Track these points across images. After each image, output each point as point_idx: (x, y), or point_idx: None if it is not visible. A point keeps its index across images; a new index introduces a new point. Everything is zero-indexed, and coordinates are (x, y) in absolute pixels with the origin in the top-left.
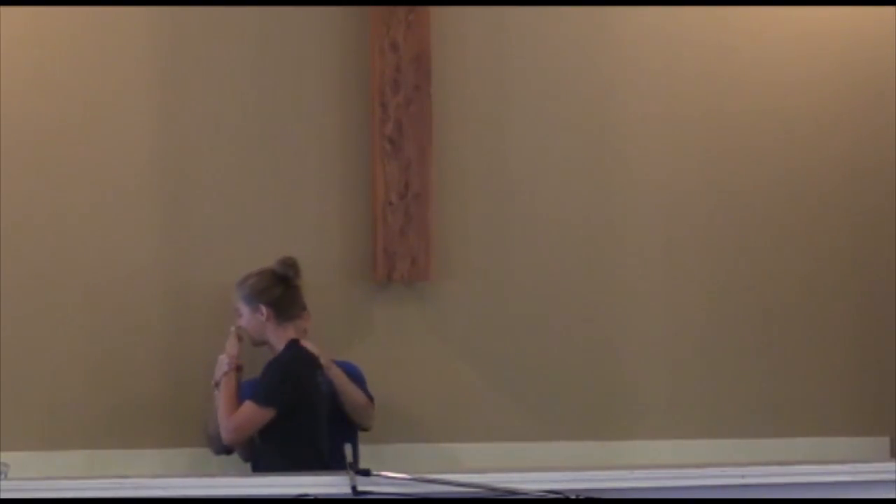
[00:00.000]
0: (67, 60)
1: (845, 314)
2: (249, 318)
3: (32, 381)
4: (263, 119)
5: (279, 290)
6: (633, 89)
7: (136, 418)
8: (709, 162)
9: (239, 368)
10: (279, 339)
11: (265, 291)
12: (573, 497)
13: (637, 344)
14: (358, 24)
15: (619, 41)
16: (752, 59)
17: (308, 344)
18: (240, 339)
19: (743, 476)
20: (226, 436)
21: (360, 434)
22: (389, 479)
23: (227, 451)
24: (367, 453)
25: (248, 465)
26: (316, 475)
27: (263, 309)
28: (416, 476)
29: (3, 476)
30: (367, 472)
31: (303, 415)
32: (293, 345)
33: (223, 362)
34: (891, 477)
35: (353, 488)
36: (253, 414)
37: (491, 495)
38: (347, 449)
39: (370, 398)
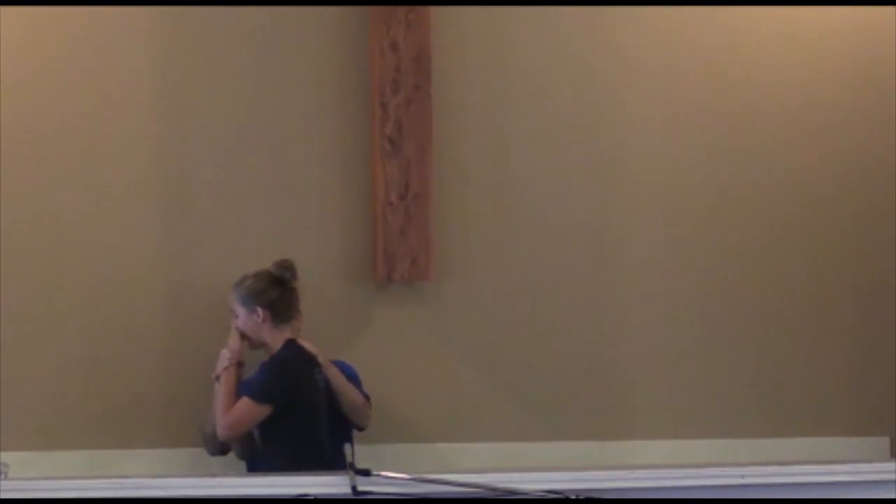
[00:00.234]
0: (67, 60)
1: (845, 314)
2: (246, 319)
3: (32, 381)
4: (263, 119)
5: (276, 292)
6: (633, 89)
7: (136, 418)
8: (709, 162)
9: (240, 364)
10: (275, 340)
11: (262, 293)
12: (573, 497)
13: (637, 344)
14: (358, 24)
15: (619, 41)
16: (752, 58)
17: (306, 343)
18: (242, 336)
19: (743, 476)
20: (221, 431)
21: (360, 434)
22: (389, 479)
23: (222, 451)
24: (367, 453)
25: (244, 464)
26: (316, 475)
27: (260, 311)
28: (416, 476)
29: (3, 476)
30: (367, 472)
31: (302, 413)
32: (291, 343)
33: (224, 357)
34: (891, 477)
35: (353, 488)
36: (249, 410)
37: (491, 495)
38: (347, 449)
39: (366, 398)
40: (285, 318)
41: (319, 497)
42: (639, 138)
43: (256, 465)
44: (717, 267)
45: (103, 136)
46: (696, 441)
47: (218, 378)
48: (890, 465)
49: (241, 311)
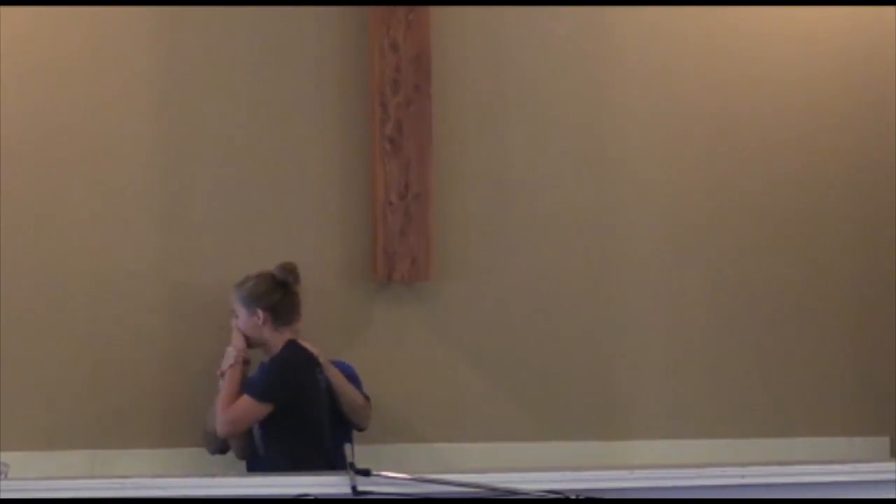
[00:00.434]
0: (67, 61)
1: (845, 314)
2: (246, 320)
3: (32, 381)
4: (263, 119)
5: (278, 295)
6: (633, 89)
7: (136, 418)
8: (709, 162)
9: (246, 362)
10: (275, 342)
11: (264, 296)
12: (573, 497)
13: (637, 344)
14: (358, 24)
15: (619, 41)
16: (752, 58)
17: (306, 343)
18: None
19: (743, 476)
20: (220, 427)
21: (360, 434)
22: (389, 479)
23: (222, 450)
24: (367, 453)
25: (244, 464)
26: (316, 475)
27: (261, 313)
28: (416, 476)
29: (3, 476)
30: (367, 472)
31: (304, 413)
32: (292, 344)
33: (230, 354)
34: (891, 477)
35: (353, 488)
36: (250, 407)
37: (491, 495)
38: (348, 449)
39: (366, 398)
40: (286, 321)
41: (319, 497)
42: (639, 138)
43: (258, 465)
44: (718, 267)
45: (103, 136)
46: (696, 441)
47: (223, 374)
48: (890, 465)
49: (241, 311)
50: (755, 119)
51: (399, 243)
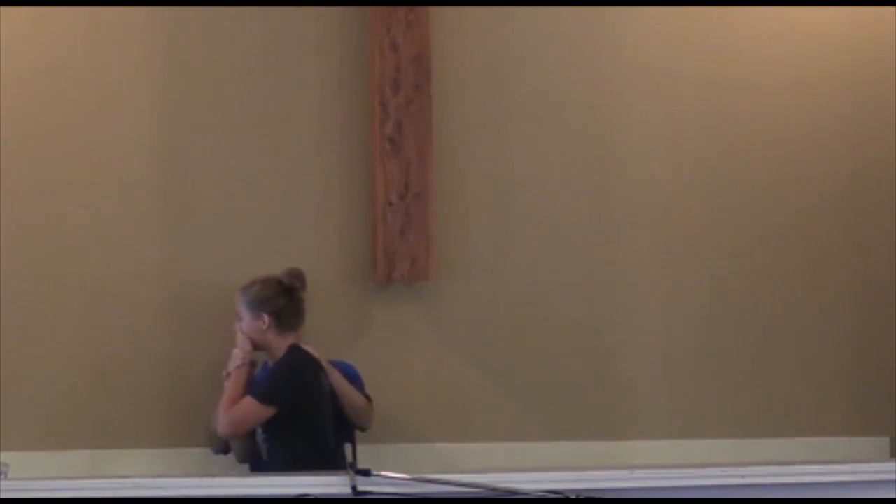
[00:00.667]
0: (68, 61)
1: (845, 314)
2: (250, 323)
3: (32, 381)
4: (263, 119)
5: (283, 300)
6: (633, 89)
7: (136, 418)
8: (708, 162)
9: (252, 364)
10: (278, 347)
11: (269, 301)
12: (573, 497)
13: (637, 344)
14: (358, 24)
15: (619, 41)
16: (753, 59)
17: (309, 347)
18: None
19: (743, 476)
20: (221, 427)
21: (360, 434)
22: (389, 479)
23: (225, 451)
24: (367, 453)
25: (247, 466)
26: (316, 475)
27: (265, 317)
28: (416, 476)
29: (3, 476)
30: (367, 472)
31: (309, 417)
32: (296, 348)
33: (237, 356)
34: (891, 477)
35: (353, 488)
36: (252, 409)
37: (491, 495)
38: (348, 449)
39: (368, 399)
40: (290, 326)
41: (319, 497)
42: (639, 138)
43: (261, 468)
44: (718, 267)
45: (103, 137)
46: (696, 441)
47: (228, 375)
48: (890, 465)
49: (246, 315)
50: (755, 119)
51: (399, 243)
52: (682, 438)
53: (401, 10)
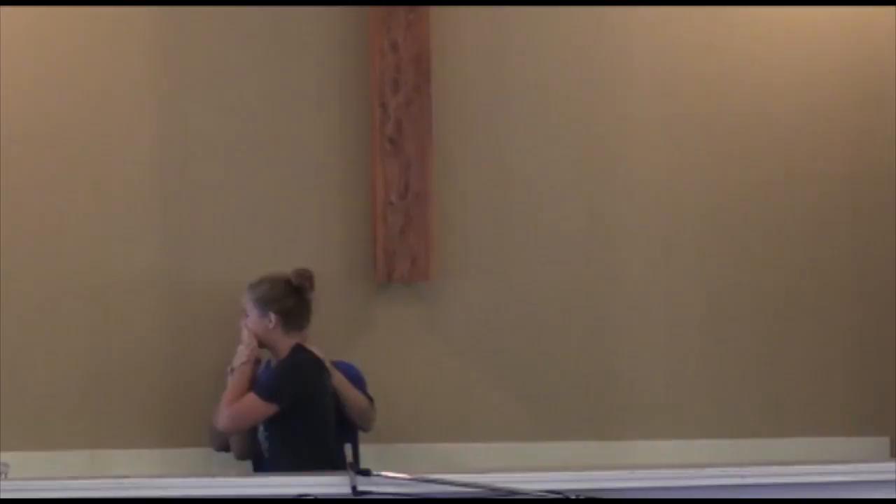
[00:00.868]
0: (68, 61)
1: (845, 314)
2: (256, 321)
3: (32, 381)
4: (264, 119)
5: (291, 300)
6: (633, 89)
7: (136, 418)
8: (709, 162)
9: (257, 361)
10: (282, 346)
11: (277, 300)
12: (573, 497)
13: (637, 344)
14: (358, 25)
15: (619, 41)
16: (753, 59)
17: (313, 347)
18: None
19: (743, 476)
20: (222, 422)
21: (360, 434)
22: (389, 479)
23: (225, 448)
24: (368, 453)
25: (247, 465)
26: (316, 475)
27: (272, 316)
28: (416, 476)
29: (3, 476)
30: (367, 472)
31: (313, 417)
32: (300, 348)
33: (242, 353)
34: (891, 477)
35: (353, 488)
36: (254, 405)
37: (491, 495)
38: (347, 449)
39: (370, 399)
40: (296, 326)
41: (319, 497)
42: (639, 138)
43: (263, 468)
44: (718, 267)
45: (103, 136)
46: (696, 441)
47: (232, 371)
48: (890, 465)
49: (252, 312)
50: (755, 119)
51: (399, 243)
52: (683, 438)
53: (401, 11)
